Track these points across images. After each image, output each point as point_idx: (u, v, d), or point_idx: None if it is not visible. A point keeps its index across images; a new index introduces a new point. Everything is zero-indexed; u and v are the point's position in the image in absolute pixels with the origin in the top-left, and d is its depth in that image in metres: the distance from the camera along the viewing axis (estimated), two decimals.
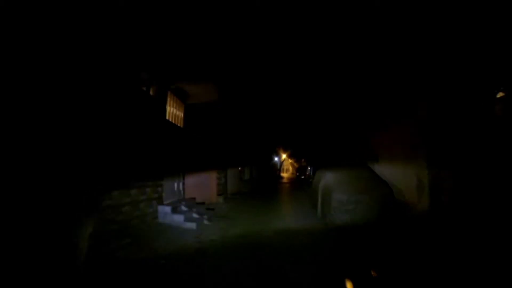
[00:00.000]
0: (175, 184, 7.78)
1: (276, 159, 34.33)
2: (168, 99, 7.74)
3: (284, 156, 37.42)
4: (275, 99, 16.95)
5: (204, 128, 10.08)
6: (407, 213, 6.38)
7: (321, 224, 6.52)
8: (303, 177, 26.58)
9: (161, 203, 6.71)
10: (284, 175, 42.01)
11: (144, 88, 6.42)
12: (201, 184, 9.61)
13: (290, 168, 47.49)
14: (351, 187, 6.22)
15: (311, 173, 12.83)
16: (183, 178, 8.25)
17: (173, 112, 8.04)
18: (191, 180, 8.78)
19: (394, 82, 6.97)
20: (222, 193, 11.46)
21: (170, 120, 7.83)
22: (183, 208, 7.01)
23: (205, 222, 6.73)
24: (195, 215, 6.90)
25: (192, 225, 6.16)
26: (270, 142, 26.92)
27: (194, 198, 8.18)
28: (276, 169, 34.09)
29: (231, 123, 14.27)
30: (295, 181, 26.12)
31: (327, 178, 6.74)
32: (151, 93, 6.71)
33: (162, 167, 6.96)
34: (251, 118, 18.16)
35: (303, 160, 36.72)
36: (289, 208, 9.65)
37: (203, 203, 8.17)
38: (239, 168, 17.27)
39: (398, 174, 7.13)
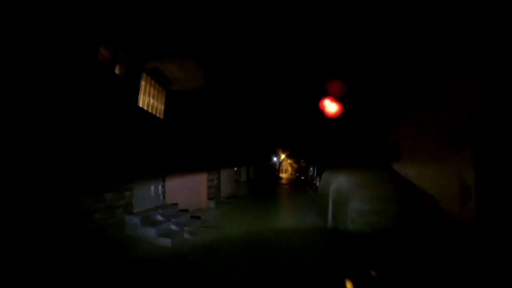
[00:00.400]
0: (152, 188, 6.33)
1: (275, 159, 33.02)
2: (143, 83, 6.31)
3: (283, 156, 36.14)
4: (273, 92, 15.51)
5: (192, 122, 8.64)
6: (444, 225, 4.97)
7: (335, 239, 5.11)
8: (303, 178, 25.18)
9: (130, 212, 5.27)
10: (283, 175, 40.63)
11: (107, 65, 4.99)
12: (188, 187, 8.16)
13: (289, 168, 46.15)
14: (372, 194, 4.82)
15: (315, 174, 11.40)
16: (163, 180, 6.80)
17: (151, 99, 6.61)
18: (175, 183, 7.33)
19: (422, 52, 5.53)
20: (213, 196, 10.02)
21: (146, 109, 6.40)
22: (159, 217, 5.56)
23: (186, 236, 5.29)
24: (173, 227, 5.46)
25: (166, 242, 4.72)
26: (269, 141, 25.57)
27: (176, 204, 6.74)
28: (275, 170, 32.72)
29: (226, 118, 12.86)
30: (295, 182, 24.74)
31: (340, 182, 5.33)
32: (116, 71, 5.28)
33: (133, 167, 5.52)
34: (248, 114, 16.77)
35: (302, 160, 35.41)
36: (292, 216, 8.22)
37: (186, 210, 6.73)
38: (235, 169, 15.85)
39: (429, 175, 5.72)
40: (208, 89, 8.11)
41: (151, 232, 4.87)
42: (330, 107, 11.37)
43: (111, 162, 4.85)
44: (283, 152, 34.61)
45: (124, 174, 5.21)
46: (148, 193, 6.14)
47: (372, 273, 3.42)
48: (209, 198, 9.55)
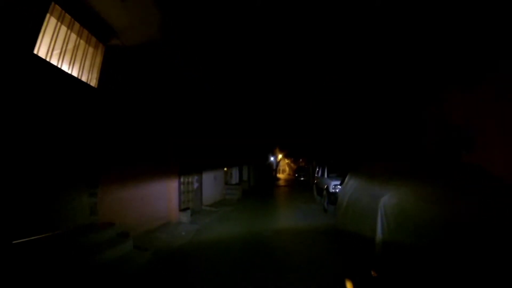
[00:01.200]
0: (66, 199, 3.73)
1: (272, 159, 30.59)
2: (56, 23, 3.72)
3: (280, 156, 33.78)
4: (268, 79, 12.85)
5: (157, 101, 6.08)
6: None
7: None
8: (302, 178, 23.22)
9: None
10: (280, 176, 38.17)
11: None
12: (145, 195, 5.57)
13: (287, 168, 43.85)
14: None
15: (325, 176, 8.88)
16: (95, 186, 4.20)
17: (71, 53, 4.02)
18: (119, 189, 4.74)
19: None
20: (187, 207, 7.43)
21: (61, 66, 3.81)
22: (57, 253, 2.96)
23: None
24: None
25: None
26: (266, 139, 23.06)
27: (112, 225, 4.15)
28: (272, 170, 30.24)
29: (211, 106, 10.28)
30: (294, 184, 22.26)
31: (402, 194, 2.79)
32: None
33: (19, 161, 2.94)
34: (241, 105, 14.18)
35: (301, 160, 33.05)
36: (304, 239, 5.61)
37: (126, 234, 4.13)
38: (225, 169, 13.28)
39: None
40: (175, 48, 5.53)
41: None
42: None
43: None
44: (281, 151, 32.27)
45: None
46: (55, 207, 3.54)
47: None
48: (182, 209, 6.97)
